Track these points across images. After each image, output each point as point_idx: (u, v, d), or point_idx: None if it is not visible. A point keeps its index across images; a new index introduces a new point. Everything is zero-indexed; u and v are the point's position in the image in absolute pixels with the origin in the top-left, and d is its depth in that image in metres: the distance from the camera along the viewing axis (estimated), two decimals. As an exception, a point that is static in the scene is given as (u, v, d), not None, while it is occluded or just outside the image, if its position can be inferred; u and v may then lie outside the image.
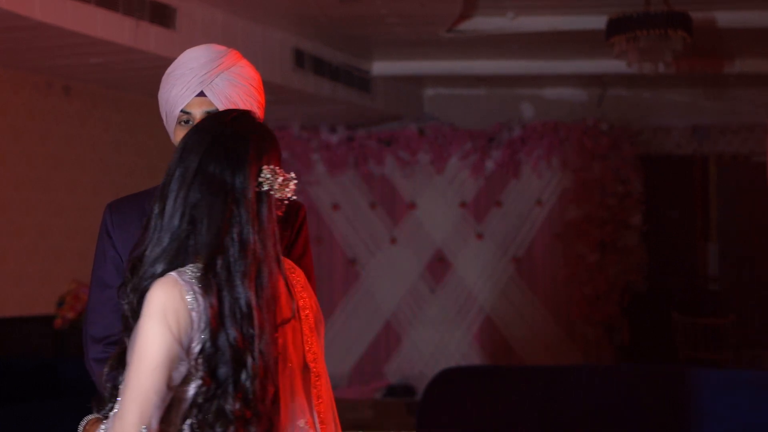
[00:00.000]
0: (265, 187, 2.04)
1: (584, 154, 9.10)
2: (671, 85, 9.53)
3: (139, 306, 1.97)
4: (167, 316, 1.93)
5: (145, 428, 1.90)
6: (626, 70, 7.13)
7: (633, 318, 9.15)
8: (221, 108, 2.36)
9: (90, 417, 2.19)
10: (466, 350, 9.21)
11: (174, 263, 1.99)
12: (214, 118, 2.13)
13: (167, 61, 2.54)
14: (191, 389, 1.96)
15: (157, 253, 2.00)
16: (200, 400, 1.94)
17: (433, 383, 5.79)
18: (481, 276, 9.26)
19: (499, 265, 9.24)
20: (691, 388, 5.41)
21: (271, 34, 7.43)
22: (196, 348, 1.94)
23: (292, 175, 2.09)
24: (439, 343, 9.26)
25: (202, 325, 1.95)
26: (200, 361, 1.94)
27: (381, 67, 8.80)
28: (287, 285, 2.07)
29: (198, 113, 2.38)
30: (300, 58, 7.75)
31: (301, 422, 2.07)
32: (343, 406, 8.97)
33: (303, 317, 2.13)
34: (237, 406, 1.93)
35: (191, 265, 1.99)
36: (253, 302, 1.97)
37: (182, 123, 2.42)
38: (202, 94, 2.38)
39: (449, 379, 5.83)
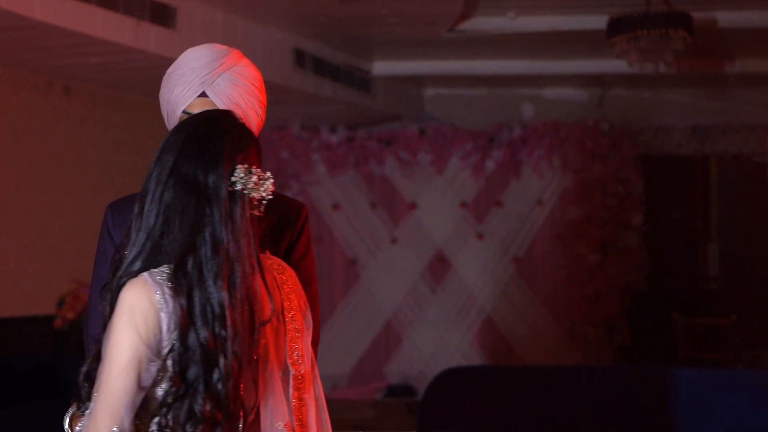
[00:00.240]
0: (239, 187, 2.02)
1: (585, 154, 9.09)
2: (672, 85, 9.53)
3: (114, 306, 1.98)
4: (135, 317, 1.94)
5: (117, 428, 1.91)
6: (627, 70, 7.13)
7: (633, 318, 9.14)
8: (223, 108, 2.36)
9: (73, 410, 2.20)
10: (467, 350, 9.21)
11: (150, 263, 1.99)
12: (192, 118, 2.13)
13: (167, 61, 2.53)
14: (161, 389, 1.95)
15: (134, 253, 2.00)
16: (169, 400, 1.94)
17: (434, 383, 5.79)
18: (482, 276, 9.26)
19: (500, 266, 9.24)
20: (692, 389, 5.40)
21: (271, 33, 7.42)
22: (166, 348, 1.94)
23: (268, 174, 2.07)
24: (439, 344, 9.25)
25: (172, 325, 1.95)
26: (169, 361, 1.94)
27: (381, 67, 8.80)
28: (266, 285, 2.05)
29: None
30: (300, 58, 7.75)
31: (279, 425, 2.05)
32: (343, 407, 8.92)
33: (289, 318, 2.11)
34: (207, 407, 1.92)
35: (166, 265, 1.98)
36: (226, 302, 1.96)
37: (184, 123, 2.42)
38: (203, 94, 2.37)
39: (450, 380, 5.83)
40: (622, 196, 9.14)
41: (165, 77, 2.45)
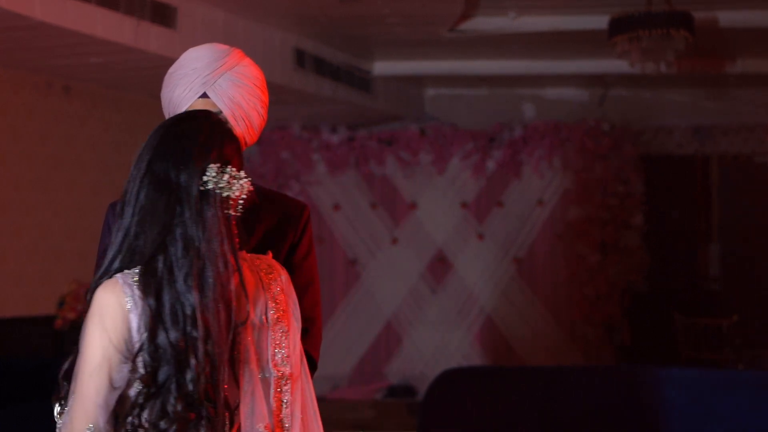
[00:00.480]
0: (210, 186, 2.01)
1: (585, 155, 9.09)
2: (673, 85, 9.52)
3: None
4: (104, 318, 1.95)
5: (91, 426, 1.92)
6: (628, 70, 7.12)
7: (634, 318, 9.14)
8: (225, 109, 2.35)
9: (58, 409, 2.21)
10: (467, 351, 9.20)
11: (126, 263, 1.99)
12: (170, 118, 2.13)
13: (168, 61, 2.53)
14: (134, 389, 1.96)
15: (112, 253, 2.01)
16: (140, 400, 1.94)
17: (434, 384, 5.78)
18: (482, 276, 9.25)
19: (500, 266, 9.23)
20: (692, 389, 5.40)
21: (271, 33, 7.42)
22: (137, 349, 1.94)
23: (242, 174, 2.06)
24: (439, 344, 9.24)
25: (143, 326, 1.95)
26: (140, 361, 1.94)
27: (382, 67, 8.79)
28: (243, 286, 2.03)
29: None
30: (301, 58, 7.74)
31: (260, 426, 2.04)
32: (343, 407, 8.92)
33: (274, 319, 2.09)
34: (179, 407, 1.92)
35: (141, 265, 1.99)
36: (197, 302, 1.95)
37: (185, 124, 2.41)
38: (205, 95, 2.36)
39: (450, 380, 5.82)
40: (622, 196, 9.13)
41: (166, 77, 2.44)
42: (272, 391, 2.07)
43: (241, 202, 2.06)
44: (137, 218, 2.00)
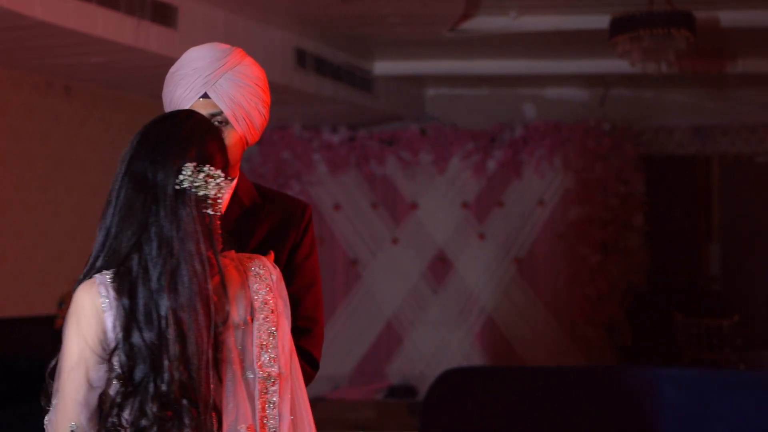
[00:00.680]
0: (185, 184, 2.01)
1: (586, 155, 9.08)
2: (674, 85, 9.51)
3: None
4: (80, 318, 1.97)
5: (74, 423, 1.94)
6: (628, 69, 7.11)
7: (635, 319, 9.13)
8: (225, 110, 2.34)
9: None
10: (468, 351, 9.20)
11: (107, 262, 2.00)
12: (154, 118, 2.14)
13: (168, 61, 2.52)
14: (113, 388, 1.96)
15: (95, 252, 2.02)
16: (118, 399, 1.95)
17: (435, 384, 5.78)
18: (483, 276, 9.24)
19: (501, 266, 9.22)
20: (693, 389, 5.40)
21: (272, 33, 7.41)
22: (112, 348, 1.95)
23: (218, 173, 2.05)
24: (440, 344, 9.24)
25: (118, 326, 1.95)
26: (115, 361, 1.95)
27: (383, 66, 8.78)
28: (224, 286, 2.02)
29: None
30: (301, 57, 7.73)
31: (242, 427, 2.03)
32: (344, 407, 8.92)
33: (262, 319, 2.08)
34: (154, 408, 1.92)
35: (117, 265, 1.99)
36: (171, 302, 1.95)
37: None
38: (206, 95, 2.35)
39: (451, 380, 5.82)
40: (623, 196, 9.13)
41: (168, 76, 2.43)
42: (257, 391, 2.06)
43: (219, 201, 2.04)
44: (117, 217, 2.01)
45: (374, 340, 9.36)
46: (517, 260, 9.23)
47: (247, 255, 2.15)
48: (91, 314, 1.96)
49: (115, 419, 1.95)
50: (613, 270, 9.05)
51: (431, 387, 5.78)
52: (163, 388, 1.93)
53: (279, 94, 7.61)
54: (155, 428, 1.92)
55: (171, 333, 1.94)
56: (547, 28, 7.37)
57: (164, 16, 6.28)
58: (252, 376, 2.06)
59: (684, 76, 8.71)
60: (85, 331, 1.96)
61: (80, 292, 1.98)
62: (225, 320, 2.01)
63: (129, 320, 1.95)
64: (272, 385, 2.07)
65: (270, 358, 2.07)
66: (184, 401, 1.93)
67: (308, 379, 2.43)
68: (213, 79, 2.35)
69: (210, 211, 2.03)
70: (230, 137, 2.35)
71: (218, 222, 2.05)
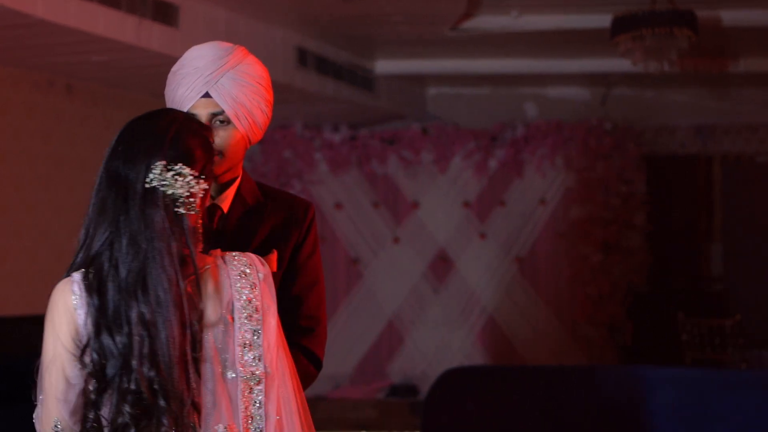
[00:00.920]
0: (154, 183, 2.00)
1: (588, 154, 9.07)
2: (675, 85, 9.50)
3: None
4: (53, 315, 1.99)
5: (56, 418, 1.96)
6: (630, 69, 7.09)
7: (636, 318, 9.12)
8: (227, 109, 2.33)
9: None
10: (469, 350, 9.19)
11: (83, 260, 2.02)
12: (134, 117, 2.15)
13: (170, 60, 2.51)
14: (92, 385, 1.97)
15: (77, 250, 2.04)
16: (93, 396, 1.96)
17: (436, 383, 5.78)
18: (484, 276, 9.23)
19: (502, 265, 9.22)
20: (693, 389, 5.39)
21: (273, 32, 7.40)
22: (84, 345, 1.96)
23: (187, 171, 2.03)
24: (441, 344, 9.23)
25: (89, 323, 1.96)
26: (87, 359, 1.95)
27: (384, 66, 8.78)
28: (198, 285, 2.00)
29: (204, 114, 2.34)
30: (303, 56, 7.73)
31: (219, 427, 2.01)
32: (345, 406, 8.90)
33: (245, 318, 2.06)
34: (126, 406, 1.93)
35: (90, 262, 2.00)
36: (140, 301, 1.94)
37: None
38: (207, 94, 2.34)
39: (453, 380, 5.82)
40: (625, 195, 9.12)
41: (170, 75, 2.42)
42: (239, 391, 2.04)
43: (193, 200, 2.03)
44: (94, 216, 2.03)
45: (375, 340, 9.36)
46: (519, 259, 9.22)
47: (235, 253, 2.12)
48: (63, 312, 1.98)
49: (92, 416, 1.96)
50: (615, 269, 9.04)
51: (432, 386, 5.78)
52: (132, 386, 1.93)
53: (280, 93, 7.56)
54: (132, 426, 1.92)
55: (138, 331, 1.94)
56: (548, 27, 7.37)
57: (165, 14, 6.28)
58: (233, 375, 2.04)
59: (686, 75, 8.70)
60: (58, 328, 1.98)
61: (55, 290, 2.02)
62: (200, 319, 2.00)
63: (98, 318, 1.96)
64: (257, 385, 2.05)
65: (254, 357, 2.05)
66: (160, 399, 1.92)
67: (311, 379, 2.42)
68: (214, 78, 2.34)
69: (182, 210, 2.01)
70: (232, 136, 2.34)
71: (199, 221, 2.04)
